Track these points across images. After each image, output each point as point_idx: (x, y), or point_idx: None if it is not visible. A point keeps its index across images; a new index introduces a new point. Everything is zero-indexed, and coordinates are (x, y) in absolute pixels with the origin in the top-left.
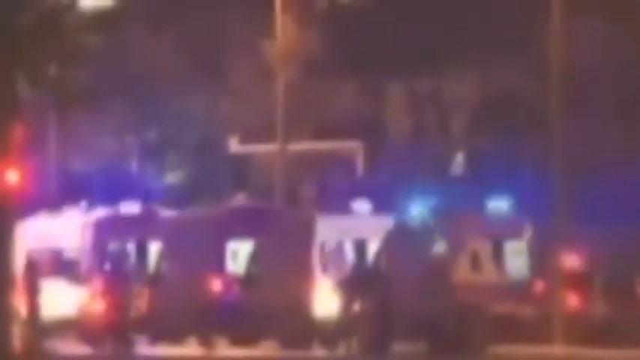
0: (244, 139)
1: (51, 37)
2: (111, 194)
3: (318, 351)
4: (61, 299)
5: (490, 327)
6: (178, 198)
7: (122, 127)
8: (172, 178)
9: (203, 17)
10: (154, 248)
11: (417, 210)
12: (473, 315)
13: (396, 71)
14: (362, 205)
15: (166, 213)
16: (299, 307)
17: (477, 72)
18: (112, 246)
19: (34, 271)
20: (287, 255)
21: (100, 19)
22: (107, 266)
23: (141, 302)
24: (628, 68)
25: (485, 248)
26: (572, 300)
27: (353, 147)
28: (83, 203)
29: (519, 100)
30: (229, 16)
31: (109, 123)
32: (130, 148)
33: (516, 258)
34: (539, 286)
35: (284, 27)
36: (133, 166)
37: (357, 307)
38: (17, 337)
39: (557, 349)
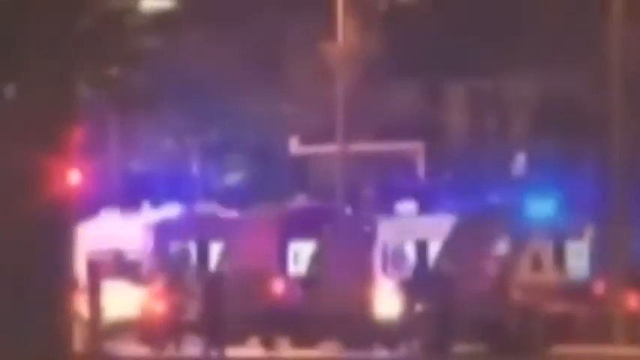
0: (305, 141)
1: (111, 38)
2: (172, 195)
3: (380, 352)
4: (122, 301)
5: (550, 328)
6: (239, 199)
7: (182, 129)
8: (233, 179)
9: (264, 19)
10: (215, 249)
11: (478, 211)
12: (533, 316)
13: (456, 72)
14: (406, 207)
15: (227, 214)
16: (360, 309)
17: (538, 73)
18: (173, 247)
19: (95, 272)
20: (348, 256)
21: (160, 21)
22: (168, 268)
23: (201, 304)
24: None
25: (546, 249)
26: (633, 300)
27: (414, 148)
28: (145, 204)
29: (580, 101)
30: (290, 18)
31: (170, 124)
32: (190, 149)
33: (577, 258)
34: (599, 286)
35: (345, 29)
36: (194, 167)
37: (418, 308)
38: (79, 338)
39: (618, 349)
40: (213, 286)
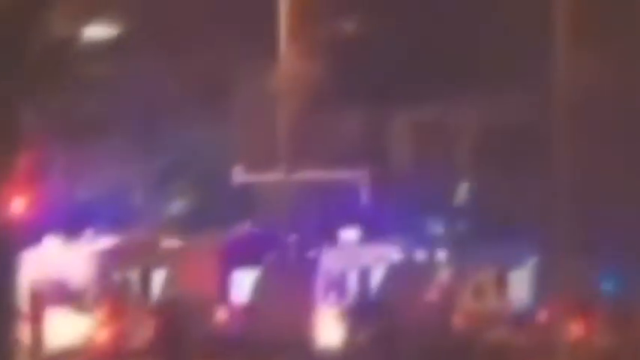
0: (249, 168)
1: (57, 67)
2: (116, 223)
3: None
4: (66, 329)
5: (492, 355)
6: (183, 226)
7: (127, 156)
8: (177, 206)
9: (209, 47)
10: (158, 277)
11: (420, 239)
12: (475, 345)
13: (400, 100)
14: (349, 234)
15: (170, 241)
16: (303, 336)
17: (482, 101)
18: (117, 275)
19: (38, 300)
20: (291, 283)
21: (106, 48)
22: (112, 295)
23: (145, 331)
24: (631, 97)
25: (488, 277)
26: (576, 329)
27: (357, 176)
28: (89, 232)
29: (522, 129)
30: (235, 46)
31: (114, 151)
32: (134, 176)
33: (520, 286)
34: (542, 314)
35: (288, 56)
36: (139, 194)
37: (361, 335)
38: None
39: None
40: (165, 312)
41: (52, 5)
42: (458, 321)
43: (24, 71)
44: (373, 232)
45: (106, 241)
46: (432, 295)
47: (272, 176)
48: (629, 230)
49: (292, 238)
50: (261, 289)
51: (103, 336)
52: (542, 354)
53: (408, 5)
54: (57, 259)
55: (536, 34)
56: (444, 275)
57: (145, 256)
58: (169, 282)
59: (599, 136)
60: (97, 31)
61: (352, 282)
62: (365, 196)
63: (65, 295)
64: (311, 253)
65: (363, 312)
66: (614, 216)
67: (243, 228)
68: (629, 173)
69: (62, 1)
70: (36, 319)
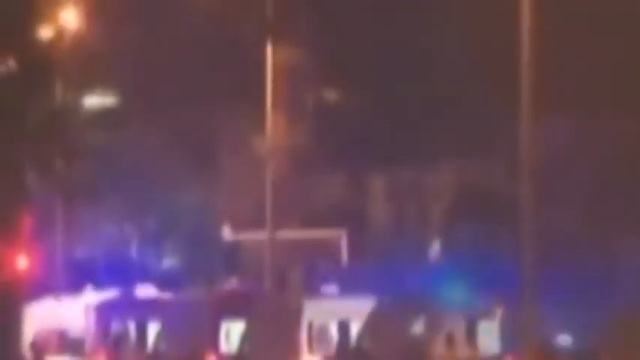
0: (236, 227)
1: (57, 135)
2: (112, 278)
3: None
4: None
5: None
6: (175, 282)
7: (123, 216)
8: (169, 262)
9: (199, 115)
10: (153, 328)
11: (397, 293)
12: None
13: (378, 164)
14: (332, 289)
15: (164, 295)
16: None
17: (454, 165)
18: (114, 326)
19: (38, 350)
20: (276, 335)
21: (101, 117)
22: (109, 345)
23: None
24: (593, 161)
25: (459, 327)
26: None
27: (337, 235)
28: (88, 287)
29: (491, 190)
30: (222, 112)
31: (111, 212)
32: (130, 235)
33: (488, 336)
34: None
35: (274, 123)
36: (133, 252)
37: None
38: None
39: None
40: None
41: (54, 77)
42: None
43: (28, 136)
44: (352, 287)
45: (104, 296)
46: (407, 343)
47: (258, 235)
48: (587, 287)
49: (276, 292)
50: (248, 339)
51: None
52: None
53: (385, 79)
54: (59, 311)
55: (503, 107)
56: (418, 326)
57: (140, 309)
58: (163, 333)
59: (561, 196)
60: (95, 101)
61: (333, 332)
62: (344, 254)
63: (65, 344)
64: (294, 307)
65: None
66: (574, 273)
67: (231, 282)
68: (588, 231)
69: (63, 73)
70: None
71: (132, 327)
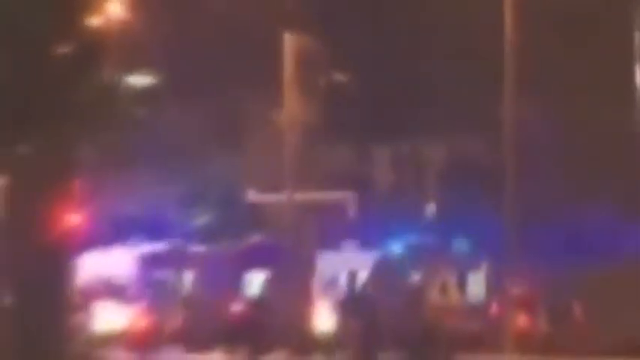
0: (260, 190)
1: (105, 110)
2: (153, 234)
3: (319, 359)
4: (111, 317)
5: (453, 340)
6: (207, 237)
7: (162, 181)
8: (202, 221)
9: (227, 93)
10: (188, 276)
11: (397, 247)
12: (440, 332)
13: (382, 137)
14: (350, 244)
15: (197, 248)
16: (303, 324)
17: (446, 138)
18: (154, 274)
19: (86, 295)
20: (292, 283)
21: (142, 94)
22: (150, 290)
23: (176, 319)
24: (566, 136)
25: (451, 277)
26: (520, 320)
27: (346, 197)
28: (131, 241)
29: (478, 160)
30: (248, 92)
31: (152, 178)
32: (168, 197)
33: (476, 286)
34: (493, 307)
35: (291, 101)
36: (171, 211)
37: (350, 323)
38: (76, 344)
39: (509, 357)
40: (191, 306)
41: (103, 59)
42: (426, 312)
43: (80, 114)
44: (359, 242)
45: (146, 248)
46: (407, 292)
47: (278, 197)
48: (561, 246)
49: (294, 246)
50: (268, 287)
51: (140, 324)
52: (492, 338)
53: (387, 64)
54: (105, 261)
55: (490, 85)
56: (416, 276)
57: (177, 260)
58: (195, 281)
59: (539, 165)
60: (136, 80)
61: (342, 281)
62: (352, 213)
63: (110, 291)
64: (309, 258)
65: (351, 305)
66: (550, 230)
67: (254, 238)
68: (564, 199)
69: (110, 56)
70: (87, 310)
71: (169, 275)
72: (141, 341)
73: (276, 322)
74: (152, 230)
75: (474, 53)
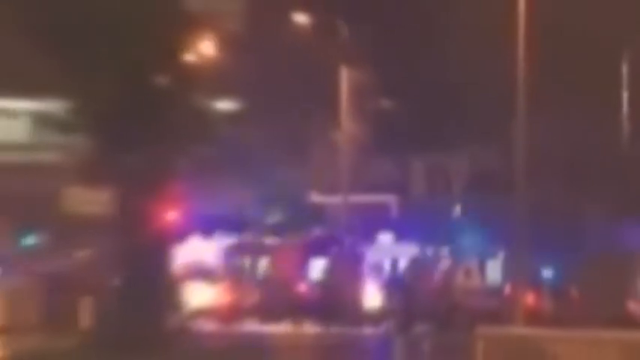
0: (321, 193)
1: (197, 129)
2: (235, 228)
3: (368, 329)
4: (202, 294)
5: (475, 316)
6: (277, 231)
7: (242, 186)
8: (274, 218)
9: (293, 116)
10: (263, 262)
11: (431, 241)
12: (463, 308)
13: (417, 152)
14: (385, 237)
15: (270, 240)
16: (355, 300)
17: (467, 152)
18: (236, 260)
19: (181, 276)
20: (347, 267)
21: (227, 116)
22: (232, 273)
23: (253, 297)
24: (572, 151)
25: (474, 264)
26: (529, 299)
27: (390, 200)
28: (217, 233)
29: (495, 171)
30: (310, 115)
31: (234, 183)
32: (247, 199)
33: (494, 271)
34: (507, 289)
35: (346, 120)
36: (249, 211)
37: (392, 301)
38: (174, 317)
39: (520, 329)
40: (266, 286)
41: (196, 87)
42: (453, 292)
43: (177, 132)
44: (399, 236)
45: (230, 240)
46: (438, 275)
47: (335, 199)
48: (562, 239)
49: (347, 238)
50: (327, 271)
51: (224, 300)
52: (506, 314)
53: (422, 90)
54: (196, 249)
55: (504, 104)
56: (445, 263)
57: (253, 250)
58: (269, 266)
59: (545, 172)
60: (223, 105)
61: (387, 267)
62: (394, 213)
63: (200, 273)
64: (359, 248)
65: (393, 286)
66: (555, 229)
67: (316, 232)
68: (565, 201)
69: (200, 86)
70: (182, 288)
71: (248, 261)
72: (225, 315)
73: (334, 299)
74: (235, 225)
75: (488, 80)
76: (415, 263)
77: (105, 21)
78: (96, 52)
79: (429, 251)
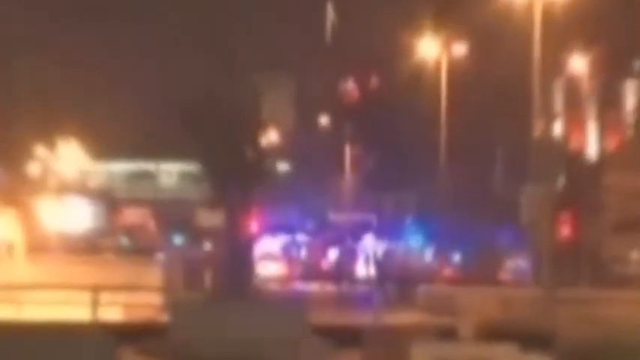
0: (334, 213)
1: (268, 177)
2: (288, 231)
3: (361, 287)
4: (270, 269)
5: (418, 279)
6: (311, 233)
7: (292, 207)
8: (309, 226)
9: (320, 172)
10: (303, 250)
11: (396, 239)
12: (412, 276)
13: (387, 189)
14: (369, 237)
15: (306, 238)
16: (352, 272)
17: (417, 190)
18: (289, 249)
19: (259, 259)
20: (348, 254)
21: (285, 172)
22: (286, 257)
23: (298, 270)
24: (471, 190)
25: (418, 251)
26: (445, 270)
27: (372, 217)
28: (280, 235)
29: (431, 200)
30: (329, 171)
31: (287, 206)
32: (294, 215)
33: (429, 256)
34: (437, 266)
35: (348, 175)
36: (296, 221)
37: (376, 272)
38: (254, 284)
39: (439, 286)
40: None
41: (266, 156)
42: (407, 267)
43: (256, 177)
44: (377, 237)
45: (285, 238)
46: (399, 258)
47: (342, 216)
48: (465, 238)
49: (348, 238)
50: (338, 256)
51: (283, 272)
52: (431, 278)
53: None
54: (267, 245)
55: (436, 163)
56: (402, 251)
57: (298, 243)
58: (306, 252)
59: (459, 203)
60: (281, 166)
61: (370, 254)
62: (374, 224)
63: (270, 257)
64: (355, 244)
65: (375, 264)
66: (462, 232)
67: (331, 234)
68: (470, 217)
69: (269, 155)
70: (259, 265)
71: (295, 250)
72: (283, 280)
73: (341, 271)
74: (288, 230)
75: (429, 145)
76: (387, 252)
77: (223, 118)
78: (214, 135)
79: (394, 245)
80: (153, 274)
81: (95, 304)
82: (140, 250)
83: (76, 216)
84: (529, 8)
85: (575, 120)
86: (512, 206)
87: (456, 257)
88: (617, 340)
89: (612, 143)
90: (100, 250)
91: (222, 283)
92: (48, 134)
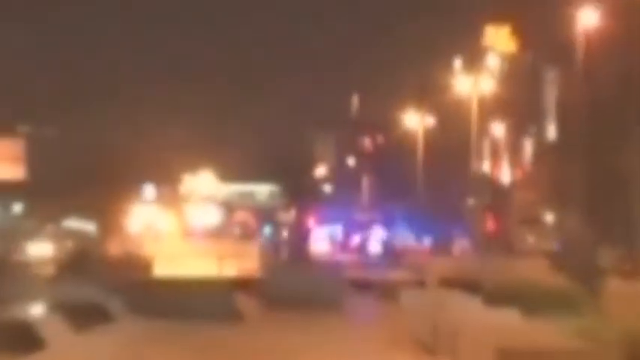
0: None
1: (315, 192)
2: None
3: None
4: (320, 247)
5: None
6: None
7: (336, 205)
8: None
9: (352, 185)
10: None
11: (393, 229)
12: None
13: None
14: (378, 228)
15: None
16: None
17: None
18: (333, 234)
19: (312, 242)
20: (365, 236)
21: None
22: (332, 240)
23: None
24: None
25: (407, 236)
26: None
27: (377, 215)
28: (327, 226)
29: (418, 207)
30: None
31: (333, 204)
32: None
33: (410, 239)
34: (417, 247)
35: (365, 191)
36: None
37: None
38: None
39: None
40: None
41: None
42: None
43: (308, 189)
44: (384, 228)
45: (329, 229)
46: (398, 241)
47: (363, 215)
48: (433, 227)
49: (365, 229)
50: (360, 239)
51: (328, 249)
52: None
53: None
54: (319, 233)
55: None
56: (400, 236)
57: (333, 231)
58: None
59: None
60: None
61: (379, 239)
62: (379, 219)
63: (321, 240)
64: (369, 231)
65: (382, 245)
66: (432, 223)
67: (356, 226)
68: (436, 213)
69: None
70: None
71: (335, 235)
72: (328, 254)
73: (362, 248)
74: (332, 223)
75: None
76: (387, 237)
77: (293, 159)
78: (288, 169)
79: (391, 233)
80: (254, 249)
81: (220, 266)
82: (245, 236)
83: (208, 216)
84: (470, 98)
85: (496, 161)
86: (462, 211)
87: (427, 240)
88: (521, 282)
89: (518, 174)
90: (222, 235)
91: (292, 255)
92: (192, 165)
